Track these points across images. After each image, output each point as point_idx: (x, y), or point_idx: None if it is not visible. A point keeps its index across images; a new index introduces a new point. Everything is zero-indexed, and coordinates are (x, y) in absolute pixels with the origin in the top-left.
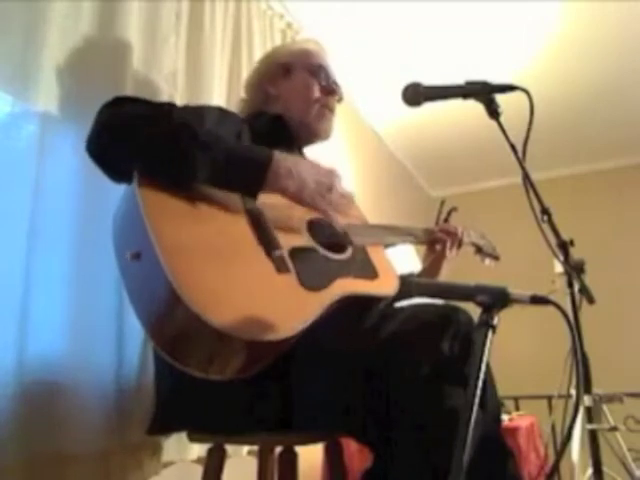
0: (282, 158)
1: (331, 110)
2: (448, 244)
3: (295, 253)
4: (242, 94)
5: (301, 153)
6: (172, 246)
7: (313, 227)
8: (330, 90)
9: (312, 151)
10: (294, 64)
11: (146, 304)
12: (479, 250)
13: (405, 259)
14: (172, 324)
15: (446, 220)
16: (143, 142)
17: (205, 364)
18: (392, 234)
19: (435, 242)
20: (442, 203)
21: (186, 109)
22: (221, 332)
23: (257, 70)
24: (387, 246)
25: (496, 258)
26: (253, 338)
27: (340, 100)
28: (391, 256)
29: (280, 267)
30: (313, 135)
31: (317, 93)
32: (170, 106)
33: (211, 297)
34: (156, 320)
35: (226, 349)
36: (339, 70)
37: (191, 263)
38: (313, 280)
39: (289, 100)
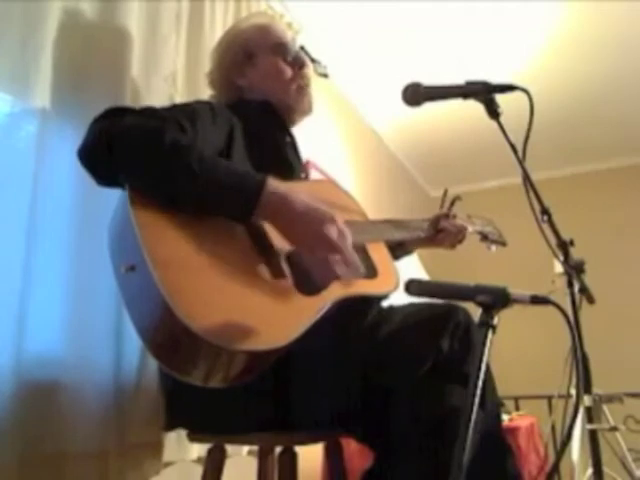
0: (273, 196)
1: (307, 84)
2: (452, 237)
3: (292, 256)
4: (209, 90)
5: (290, 134)
6: (164, 259)
7: None
8: (300, 64)
9: (314, 154)
10: (255, 48)
11: (141, 315)
12: (485, 238)
13: (407, 264)
14: (166, 336)
15: (449, 210)
16: (129, 164)
17: (203, 374)
18: (394, 229)
19: (440, 232)
20: (445, 192)
21: (178, 112)
22: (214, 344)
23: (217, 63)
24: (389, 241)
25: (503, 244)
26: (248, 349)
27: (326, 76)
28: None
29: (276, 273)
30: (297, 114)
31: (289, 72)
32: (162, 122)
33: (204, 309)
34: (151, 332)
35: (222, 360)
36: (339, 70)
37: (184, 275)
38: (310, 284)
39: (263, 87)
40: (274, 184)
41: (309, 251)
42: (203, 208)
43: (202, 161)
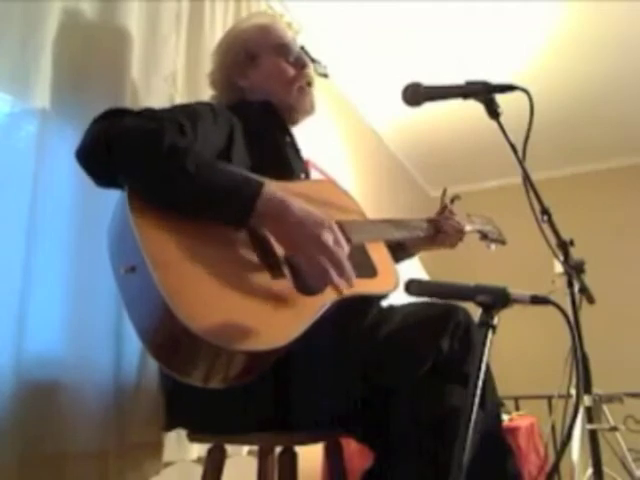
0: (270, 201)
1: (309, 84)
2: (452, 238)
3: (291, 257)
4: (210, 90)
5: (290, 134)
6: (164, 261)
7: None
8: (302, 64)
9: (314, 154)
10: (257, 49)
11: (141, 316)
12: (484, 236)
13: (407, 265)
14: (166, 337)
15: (450, 205)
16: (128, 166)
17: (203, 374)
18: (394, 229)
19: (440, 232)
20: (444, 192)
21: (178, 113)
22: (213, 345)
23: (218, 63)
24: (389, 241)
25: (502, 242)
26: (247, 349)
27: (326, 76)
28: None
29: (275, 273)
30: (300, 114)
31: (291, 72)
32: (161, 123)
33: (204, 310)
34: (151, 333)
35: (222, 360)
36: (339, 70)
37: (183, 276)
38: (310, 284)
39: (266, 87)
40: (271, 190)
41: (304, 257)
42: (199, 212)
43: (199, 164)
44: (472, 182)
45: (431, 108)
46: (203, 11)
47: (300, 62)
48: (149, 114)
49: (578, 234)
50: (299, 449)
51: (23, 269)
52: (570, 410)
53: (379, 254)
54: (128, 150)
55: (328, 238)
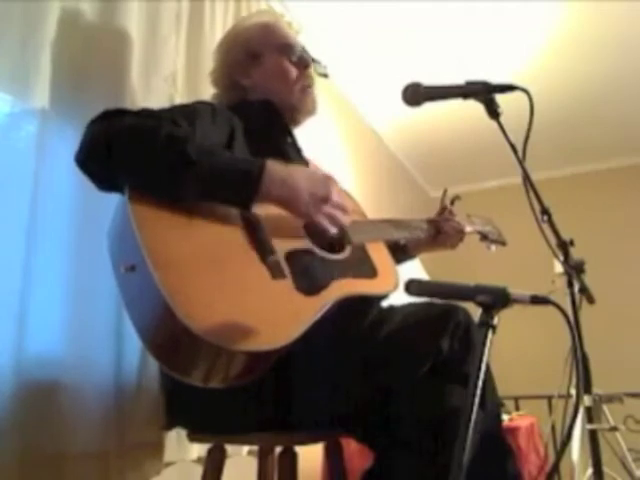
0: (275, 169)
1: (311, 85)
2: (452, 238)
3: (291, 257)
4: (211, 89)
5: (291, 135)
6: (164, 260)
7: (310, 227)
8: (305, 64)
9: (314, 154)
10: (260, 48)
11: (141, 316)
12: (484, 237)
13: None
14: (166, 336)
15: (450, 206)
16: (129, 162)
17: (203, 374)
18: (394, 229)
19: (440, 233)
20: (444, 192)
21: (177, 113)
22: (214, 345)
23: (220, 62)
24: (389, 241)
25: (503, 243)
26: (247, 349)
27: (326, 76)
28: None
29: (275, 273)
30: (302, 114)
31: (294, 72)
32: (158, 120)
33: (204, 309)
34: (151, 332)
35: (222, 360)
36: (339, 70)
37: (184, 276)
38: (310, 284)
39: (268, 86)
40: (274, 163)
41: (314, 213)
42: (204, 194)
43: (200, 148)
44: (472, 182)
45: (431, 108)
46: (203, 11)
47: (303, 62)
48: (147, 113)
49: (578, 234)
50: (299, 449)
51: (23, 269)
52: (570, 410)
53: (379, 254)
54: (128, 148)
55: (334, 191)
